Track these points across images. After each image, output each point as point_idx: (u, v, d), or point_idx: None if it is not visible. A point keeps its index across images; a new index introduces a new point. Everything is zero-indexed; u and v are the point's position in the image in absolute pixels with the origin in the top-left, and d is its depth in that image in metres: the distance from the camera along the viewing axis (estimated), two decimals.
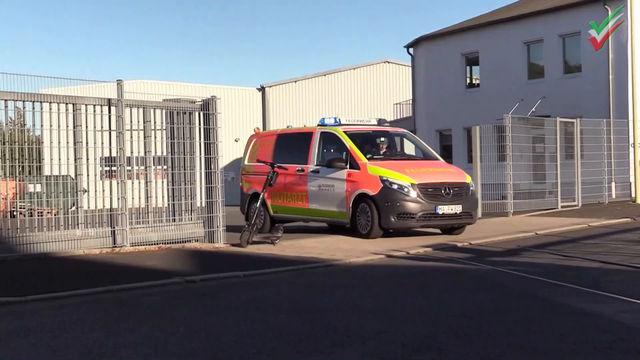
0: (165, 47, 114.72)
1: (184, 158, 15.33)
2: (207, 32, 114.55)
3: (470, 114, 35.78)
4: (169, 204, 15.37)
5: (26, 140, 14.24)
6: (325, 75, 54.58)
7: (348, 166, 16.50)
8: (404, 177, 15.76)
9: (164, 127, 15.30)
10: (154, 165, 15.25)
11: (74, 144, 14.12)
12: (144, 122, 14.97)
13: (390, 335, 6.86)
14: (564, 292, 9.09)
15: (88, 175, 14.31)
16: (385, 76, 54.44)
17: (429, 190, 15.76)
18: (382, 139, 17.48)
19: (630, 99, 27.48)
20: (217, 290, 9.76)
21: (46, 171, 14.30)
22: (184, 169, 15.32)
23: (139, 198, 15.15)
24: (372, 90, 53.90)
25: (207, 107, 15.52)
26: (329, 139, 17.47)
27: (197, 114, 15.54)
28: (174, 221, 15.14)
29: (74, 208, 14.16)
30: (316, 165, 17.35)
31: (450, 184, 16.10)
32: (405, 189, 15.62)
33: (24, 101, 13.57)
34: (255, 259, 13.14)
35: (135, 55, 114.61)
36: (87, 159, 14.29)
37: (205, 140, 15.52)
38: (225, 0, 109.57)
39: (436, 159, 17.85)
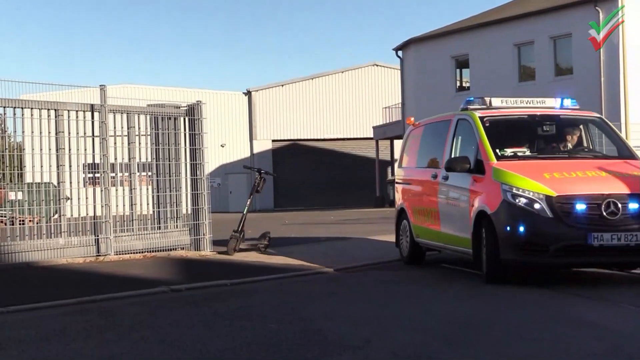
0: (149, 52, 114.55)
1: (169, 164, 15.00)
2: (192, 35, 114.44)
3: None
4: (154, 212, 15.04)
5: (7, 147, 13.97)
6: (312, 78, 54.48)
7: (474, 169, 10.74)
8: (537, 185, 9.80)
9: (149, 133, 15.02)
10: (138, 171, 14.92)
11: (56, 150, 13.81)
12: (127, 128, 14.67)
13: (381, 344, 6.81)
14: (559, 299, 9.07)
15: (71, 182, 14.01)
16: (374, 79, 54.35)
17: (577, 206, 9.61)
18: (547, 127, 11.63)
19: (623, 101, 27.33)
20: (204, 300, 9.55)
21: (28, 178, 14.06)
22: (169, 176, 15.00)
23: (123, 205, 14.82)
24: (361, 94, 53.80)
25: (193, 113, 15.23)
26: (463, 129, 11.70)
27: (182, 119, 15.24)
28: (159, 229, 14.79)
29: (56, 216, 13.85)
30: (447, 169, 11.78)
31: (619, 196, 9.65)
32: (536, 205, 9.65)
33: (4, 107, 13.28)
34: (243, 267, 12.91)
35: (119, 60, 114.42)
36: (70, 166, 13.98)
37: (190, 146, 15.20)
38: (210, 4, 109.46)
39: (632, 157, 11.07)
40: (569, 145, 11.36)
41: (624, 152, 11.19)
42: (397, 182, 14.11)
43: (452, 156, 11.46)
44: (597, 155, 11.27)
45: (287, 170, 50.79)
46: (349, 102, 53.62)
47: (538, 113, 11.75)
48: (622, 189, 9.75)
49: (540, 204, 9.61)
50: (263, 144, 53.38)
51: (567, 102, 11.88)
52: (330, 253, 14.57)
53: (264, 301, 9.49)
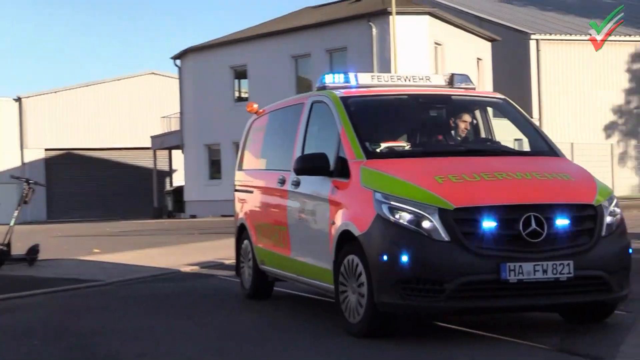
0: None
1: None
2: None
3: (239, 128, 35.32)
4: None
5: None
6: (88, 86, 52.89)
7: (335, 171, 7.55)
8: (426, 193, 6.70)
9: None
10: None
11: None
12: None
13: (153, 358, 6.61)
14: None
15: None
16: (152, 88, 53.49)
17: (485, 223, 6.53)
18: (435, 112, 8.69)
19: None
20: None
21: None
22: None
23: None
24: (139, 103, 52.84)
25: None
26: (320, 116, 8.39)
27: None
28: None
29: None
30: None
31: (543, 208, 6.63)
32: (425, 222, 6.54)
33: None
34: (8, 281, 12.13)
35: None
36: None
37: None
38: None
39: (552, 153, 7.93)
40: (464, 137, 8.39)
41: (541, 146, 8.06)
42: (236, 190, 10.67)
43: (304, 153, 8.27)
44: (507, 151, 8.11)
45: (61, 180, 49.07)
46: (126, 111, 52.45)
47: (422, 92, 8.59)
48: (547, 197, 6.76)
49: (431, 221, 6.47)
50: (35, 153, 51.18)
51: (461, 79, 8.79)
52: (106, 266, 13.97)
53: (30, 317, 8.94)
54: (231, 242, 11.42)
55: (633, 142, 38.33)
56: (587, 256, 6.55)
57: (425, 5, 34.89)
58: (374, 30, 32.25)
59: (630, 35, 37.56)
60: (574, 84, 36.85)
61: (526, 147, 8.23)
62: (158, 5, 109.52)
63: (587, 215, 6.72)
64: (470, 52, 34.97)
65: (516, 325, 7.35)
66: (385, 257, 6.51)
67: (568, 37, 36.87)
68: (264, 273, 9.50)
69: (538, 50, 36.39)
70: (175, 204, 43.15)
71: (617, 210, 6.97)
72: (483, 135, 8.74)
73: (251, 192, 9.92)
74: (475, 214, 6.49)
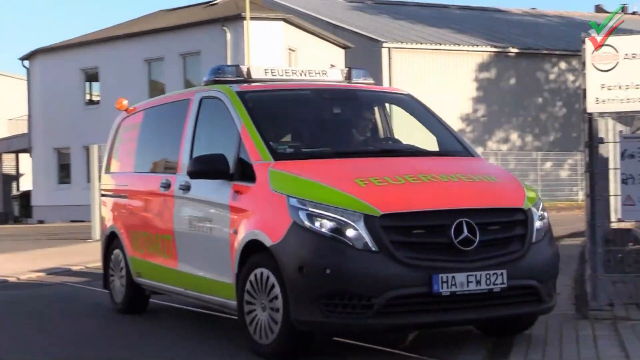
0: None
1: None
2: None
3: (90, 131, 34.74)
4: None
5: None
6: None
7: (236, 174, 6.87)
8: (349, 198, 6.11)
9: None
10: None
11: None
12: None
13: None
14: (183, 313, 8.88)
15: None
16: None
17: (415, 231, 6.06)
18: (339, 109, 8.01)
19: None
20: None
21: None
22: None
23: None
24: None
25: None
26: (212, 113, 7.71)
27: None
28: None
29: None
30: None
31: (474, 213, 6.16)
32: (349, 231, 5.94)
33: None
34: None
35: None
36: None
37: None
38: None
39: (466, 154, 7.48)
40: (372, 135, 7.90)
41: (454, 146, 7.57)
42: (103, 195, 9.89)
43: (197, 154, 7.39)
44: (422, 151, 7.46)
45: None
46: None
47: (326, 87, 8.03)
48: (477, 201, 6.30)
49: (356, 229, 5.88)
50: None
51: (359, 73, 8.26)
52: None
53: None
54: (82, 247, 11.11)
55: (480, 149, 39.75)
56: (520, 264, 6.08)
57: (280, 12, 35.11)
58: (228, 35, 32.16)
59: (477, 46, 38.92)
60: (424, 92, 37.66)
61: (435, 147, 7.59)
62: (5, 4, 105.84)
63: (517, 220, 6.27)
64: (323, 58, 35.31)
65: (439, 340, 6.76)
66: (304, 270, 5.83)
67: (419, 45, 37.86)
68: (139, 286, 8.69)
69: (390, 58, 37.19)
70: (22, 209, 41.68)
71: (545, 214, 6.56)
72: (383, 134, 8.10)
73: (124, 197, 9.07)
74: (404, 221, 5.93)
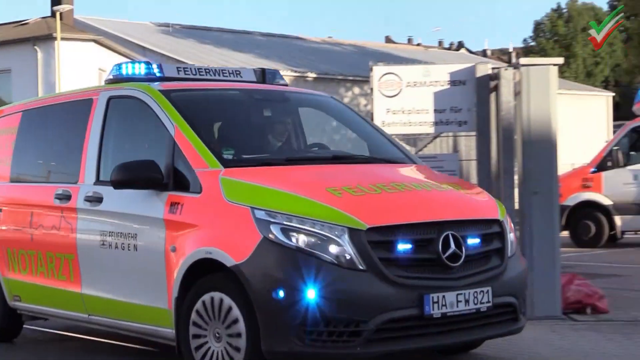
0: None
1: None
2: None
3: None
4: None
5: None
6: None
7: (170, 183, 6.10)
8: (330, 210, 5.42)
9: None
10: None
11: None
12: None
13: None
14: None
15: None
16: None
17: (401, 246, 5.40)
18: (269, 112, 7.35)
19: None
20: None
21: None
22: None
23: None
24: None
25: None
26: (129, 114, 6.96)
27: None
28: None
29: None
30: (97, 182, 6.88)
31: (458, 225, 5.64)
32: (332, 247, 5.28)
33: None
34: None
35: None
36: None
37: None
38: None
39: (409, 161, 6.95)
40: (303, 143, 7.45)
41: (393, 153, 7.01)
42: None
43: (109, 161, 6.76)
44: (372, 159, 6.91)
45: None
46: None
47: (254, 88, 7.38)
48: (459, 212, 5.88)
49: (339, 244, 5.25)
50: None
51: (272, 75, 7.66)
52: None
53: None
54: None
55: None
56: (501, 281, 5.67)
57: (91, 33, 36.02)
58: (40, 54, 32.84)
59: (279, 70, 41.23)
60: None
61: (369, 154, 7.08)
62: None
63: (495, 233, 5.83)
64: None
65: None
66: (281, 294, 5.12)
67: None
68: (14, 311, 7.80)
69: None
70: None
71: (513, 226, 6.22)
72: (295, 137, 7.40)
73: None
74: (391, 235, 5.34)
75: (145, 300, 6.19)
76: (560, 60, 9.01)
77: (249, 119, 7.11)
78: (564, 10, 61.46)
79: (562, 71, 51.72)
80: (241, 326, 5.34)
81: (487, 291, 5.53)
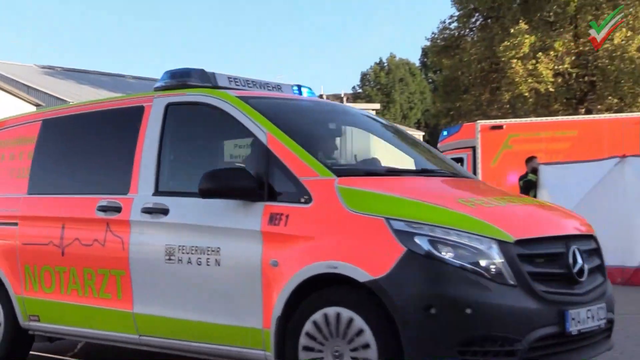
0: None
1: None
2: None
3: None
4: None
5: None
6: None
7: (265, 193, 5.65)
8: (471, 219, 5.09)
9: None
10: None
11: None
12: None
13: None
14: None
15: None
16: None
17: (539, 259, 5.20)
18: (333, 125, 7.14)
19: None
20: None
21: None
22: None
23: None
24: None
25: None
26: (199, 121, 6.61)
27: None
28: None
29: None
30: (156, 192, 6.39)
31: (580, 239, 5.62)
32: (484, 260, 4.90)
33: None
34: None
35: None
36: None
37: None
38: None
39: (465, 175, 6.93)
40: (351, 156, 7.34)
41: (454, 168, 6.87)
42: None
43: (170, 170, 6.53)
44: (452, 173, 6.69)
45: None
46: None
47: (319, 101, 7.69)
48: (571, 227, 5.72)
49: (490, 258, 4.92)
50: None
51: (305, 92, 7.47)
52: None
53: None
54: None
55: None
56: (607, 296, 5.56)
57: None
58: None
59: None
60: None
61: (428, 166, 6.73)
62: None
63: (594, 249, 5.72)
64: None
65: None
66: (431, 310, 4.77)
67: None
68: (25, 332, 7.38)
69: None
70: None
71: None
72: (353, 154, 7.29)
73: (8, 224, 7.52)
74: (534, 248, 5.11)
75: (228, 320, 5.65)
76: (377, 105, 12.83)
77: (324, 129, 6.85)
78: (385, 64, 70.63)
79: (384, 114, 60.56)
80: (371, 344, 4.91)
81: (603, 307, 5.34)
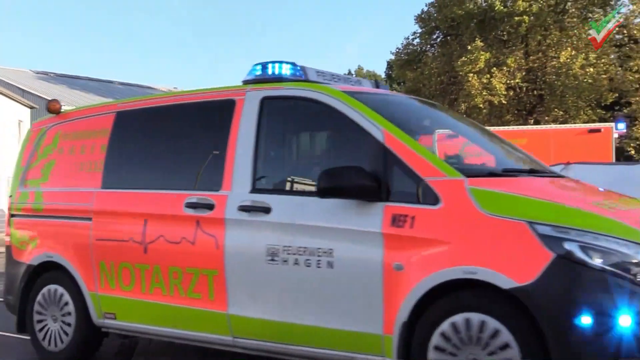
0: None
1: None
2: None
3: None
4: None
5: None
6: None
7: (384, 193, 5.38)
8: (614, 223, 4.94)
9: None
10: None
11: None
12: None
13: None
14: None
15: None
16: None
17: None
18: (427, 121, 6.86)
19: None
20: None
21: None
22: None
23: None
24: None
25: None
26: (301, 116, 6.47)
27: None
28: None
29: None
30: (254, 190, 6.11)
31: None
32: (633, 267, 4.67)
33: None
34: None
35: None
36: None
37: None
38: None
39: (563, 175, 6.61)
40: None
41: (537, 163, 6.58)
42: (21, 215, 8.01)
43: (268, 166, 6.22)
44: (549, 172, 6.42)
45: None
46: None
47: (408, 96, 7.49)
48: None
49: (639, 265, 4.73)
50: None
51: (384, 88, 7.30)
52: None
53: None
54: None
55: None
56: None
57: None
58: None
59: None
60: None
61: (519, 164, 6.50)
62: None
63: None
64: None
65: None
66: (587, 320, 4.51)
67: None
68: (98, 329, 7.21)
69: None
70: None
71: None
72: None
73: (82, 218, 7.27)
74: None
75: (342, 324, 5.41)
76: None
77: (425, 124, 6.65)
78: (353, 75, 72.87)
79: None
80: (514, 353, 4.69)
81: None
